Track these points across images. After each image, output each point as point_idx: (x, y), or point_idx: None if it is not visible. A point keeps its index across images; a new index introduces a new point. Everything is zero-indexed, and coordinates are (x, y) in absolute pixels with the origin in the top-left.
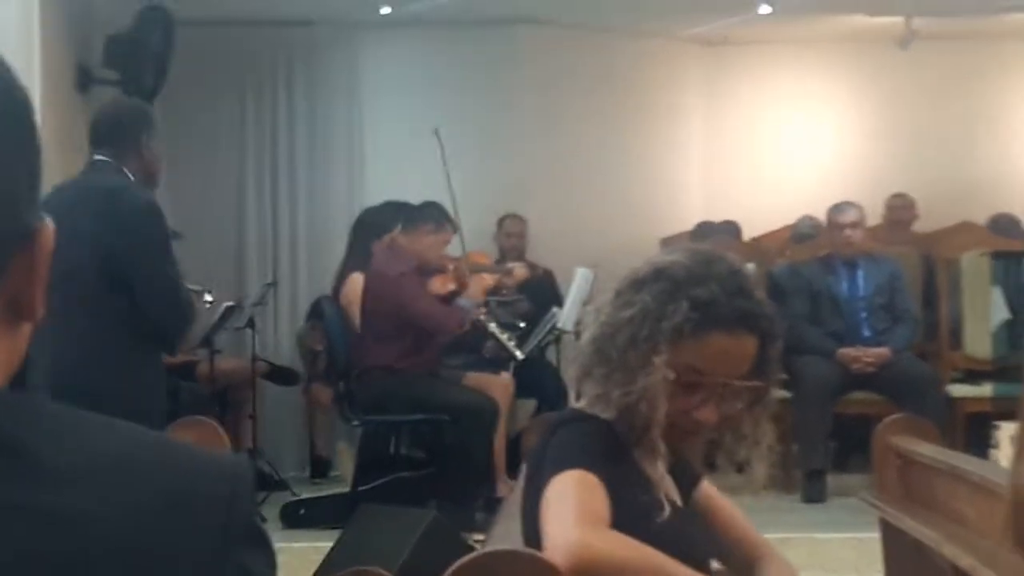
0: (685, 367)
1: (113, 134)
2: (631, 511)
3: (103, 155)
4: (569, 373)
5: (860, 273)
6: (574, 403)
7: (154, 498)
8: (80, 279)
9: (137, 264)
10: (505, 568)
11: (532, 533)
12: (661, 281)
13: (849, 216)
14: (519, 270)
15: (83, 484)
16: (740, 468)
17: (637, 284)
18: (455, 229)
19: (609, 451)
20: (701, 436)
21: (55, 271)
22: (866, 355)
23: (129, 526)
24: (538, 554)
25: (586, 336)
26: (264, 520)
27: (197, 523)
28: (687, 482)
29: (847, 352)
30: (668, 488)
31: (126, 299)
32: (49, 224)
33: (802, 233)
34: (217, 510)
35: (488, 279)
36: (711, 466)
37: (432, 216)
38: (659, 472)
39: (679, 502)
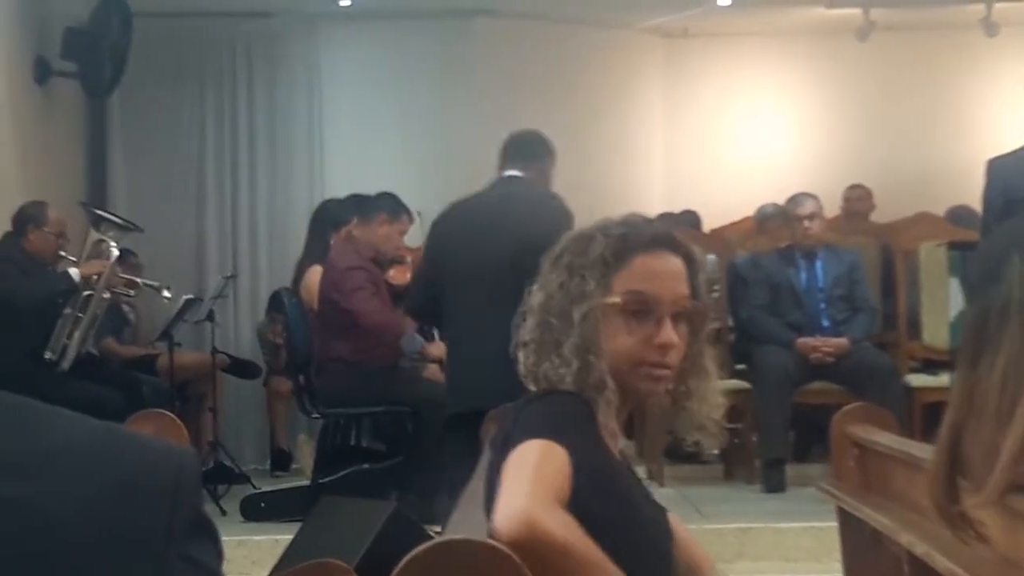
0: (624, 292)
1: (525, 154)
2: (601, 477)
3: (515, 171)
4: (524, 367)
5: (819, 264)
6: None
7: (100, 488)
8: (503, 278)
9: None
10: (461, 556)
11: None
12: (577, 238)
13: (807, 208)
14: None
15: (30, 473)
16: (695, 423)
17: (556, 256)
18: (412, 219)
19: (577, 420)
20: (666, 379)
21: (484, 272)
22: (825, 345)
23: (75, 517)
24: (493, 542)
25: (527, 323)
26: (224, 513)
27: (142, 514)
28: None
29: (806, 342)
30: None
31: None
32: None
33: (766, 215)
34: (162, 501)
35: None
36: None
37: (387, 207)
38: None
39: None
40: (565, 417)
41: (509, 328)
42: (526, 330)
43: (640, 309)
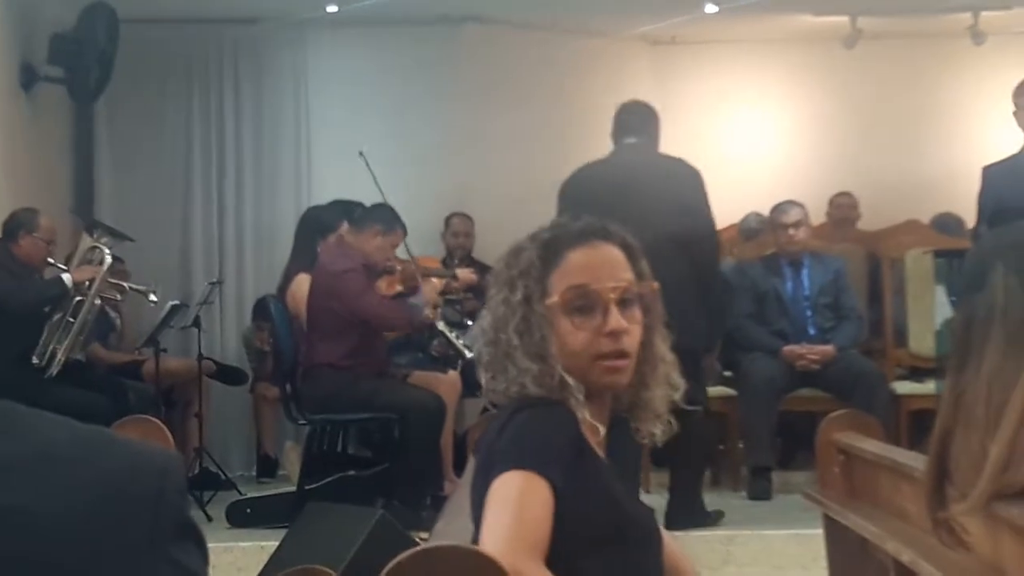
0: (565, 290)
1: (637, 123)
2: (591, 497)
3: (632, 139)
4: (486, 389)
5: (805, 272)
6: None
7: (85, 492)
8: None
9: (706, 221)
10: (446, 563)
11: (479, 522)
12: (509, 252)
13: (792, 216)
14: (465, 274)
15: (16, 478)
16: (648, 413)
17: (495, 274)
18: (405, 232)
19: (564, 440)
20: (625, 368)
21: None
22: (811, 352)
23: (60, 520)
24: (478, 549)
25: (479, 344)
26: (210, 519)
27: (126, 517)
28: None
29: (792, 349)
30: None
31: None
32: None
33: (750, 228)
34: (145, 504)
35: (436, 283)
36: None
37: (382, 218)
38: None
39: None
40: (548, 440)
41: (676, 275)
42: (482, 353)
43: (583, 304)
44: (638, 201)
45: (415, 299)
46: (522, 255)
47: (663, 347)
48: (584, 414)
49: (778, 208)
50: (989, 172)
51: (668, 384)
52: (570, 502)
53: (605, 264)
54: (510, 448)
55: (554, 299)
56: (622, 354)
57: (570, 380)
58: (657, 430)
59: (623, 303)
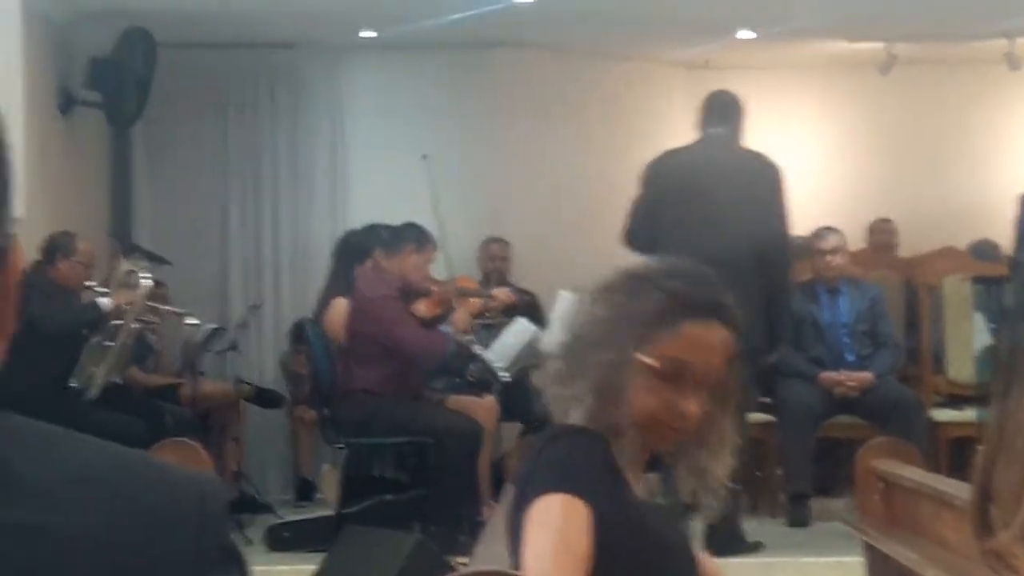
0: (664, 357)
1: (723, 113)
2: (626, 521)
3: (718, 128)
4: (542, 384)
5: (842, 299)
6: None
7: (128, 516)
8: (739, 232)
9: (781, 220)
10: None
11: (517, 549)
12: (631, 279)
13: (830, 242)
14: (503, 294)
15: (59, 502)
16: (701, 475)
17: (607, 287)
18: (436, 247)
19: (598, 465)
20: (677, 441)
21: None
22: (849, 379)
23: (103, 543)
24: (518, 574)
25: (558, 348)
26: (249, 543)
27: (169, 541)
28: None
29: (830, 376)
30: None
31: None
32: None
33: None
34: (188, 529)
35: (473, 304)
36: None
37: (413, 236)
38: (643, 484)
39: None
40: (586, 465)
41: (745, 271)
42: (558, 344)
43: (674, 378)
44: (717, 195)
45: (447, 327)
46: (643, 296)
47: (728, 433)
48: (628, 459)
49: (816, 234)
50: None
51: (720, 461)
52: (606, 527)
53: (713, 349)
54: (548, 472)
55: (651, 361)
56: (682, 432)
57: (627, 430)
58: (705, 498)
59: (704, 387)
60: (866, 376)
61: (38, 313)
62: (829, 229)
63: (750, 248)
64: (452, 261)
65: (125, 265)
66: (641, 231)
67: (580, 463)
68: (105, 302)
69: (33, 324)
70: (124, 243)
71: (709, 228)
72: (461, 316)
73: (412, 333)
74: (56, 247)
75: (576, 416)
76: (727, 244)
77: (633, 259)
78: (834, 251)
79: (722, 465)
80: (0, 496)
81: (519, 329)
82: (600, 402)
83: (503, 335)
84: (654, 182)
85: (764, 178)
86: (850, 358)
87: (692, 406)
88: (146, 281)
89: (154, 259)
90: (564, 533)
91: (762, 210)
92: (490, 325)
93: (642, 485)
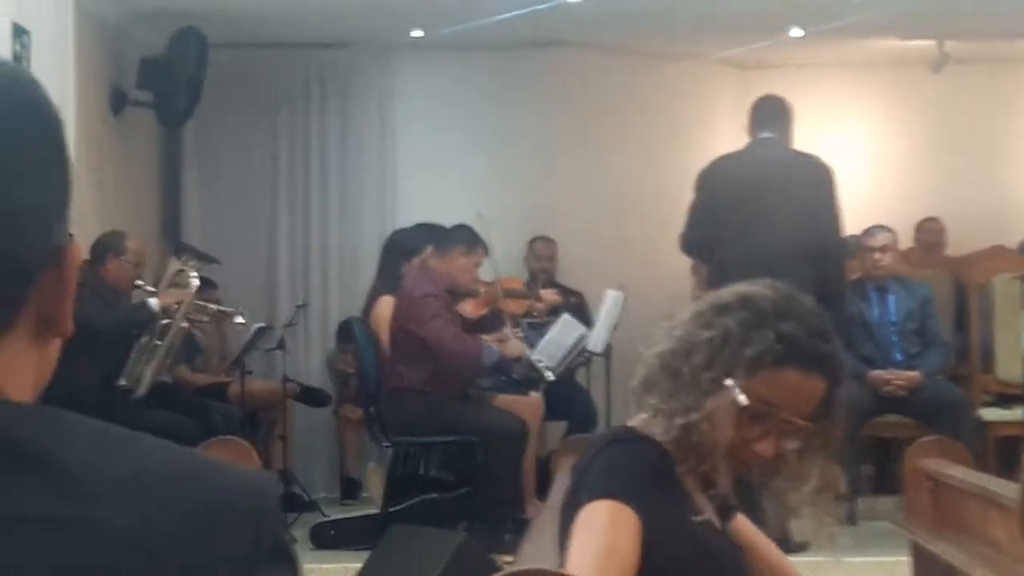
0: (756, 397)
1: (771, 118)
2: (678, 534)
3: (767, 133)
4: (630, 384)
5: (891, 298)
6: (623, 420)
7: (184, 513)
8: (793, 234)
9: (834, 221)
10: None
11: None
12: (746, 309)
13: (880, 240)
14: (549, 296)
15: (115, 498)
16: (789, 511)
17: (721, 308)
18: (486, 251)
19: (655, 475)
20: (750, 470)
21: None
22: (897, 377)
23: (160, 540)
24: (563, 573)
25: (655, 349)
26: (294, 541)
27: (226, 539)
28: (724, 514)
29: (878, 374)
30: (711, 514)
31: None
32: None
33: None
34: (246, 526)
35: (519, 304)
36: (756, 508)
37: (464, 239)
38: (704, 498)
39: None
40: (640, 473)
41: (799, 272)
42: (655, 350)
43: (758, 416)
44: (770, 198)
45: (491, 342)
46: (758, 333)
47: (820, 468)
48: (698, 493)
49: (867, 232)
50: None
51: (804, 496)
52: (656, 537)
53: (804, 398)
54: (600, 477)
55: (742, 399)
56: (750, 468)
57: (718, 453)
58: (807, 537)
59: (785, 432)
60: (914, 375)
61: (89, 312)
62: (880, 227)
63: (804, 250)
64: (497, 262)
65: (175, 264)
66: (697, 237)
67: (635, 470)
68: (155, 302)
69: (84, 324)
70: (174, 242)
71: (763, 232)
72: (513, 345)
73: (447, 332)
74: (106, 247)
75: (652, 425)
76: (781, 247)
77: (745, 285)
78: (884, 249)
79: (811, 504)
80: (53, 491)
81: (565, 328)
82: (680, 418)
83: (550, 333)
84: (708, 188)
85: (816, 179)
86: (899, 357)
87: (766, 448)
88: (195, 280)
89: (203, 258)
90: (610, 539)
91: (815, 212)
92: (537, 325)
93: (705, 504)
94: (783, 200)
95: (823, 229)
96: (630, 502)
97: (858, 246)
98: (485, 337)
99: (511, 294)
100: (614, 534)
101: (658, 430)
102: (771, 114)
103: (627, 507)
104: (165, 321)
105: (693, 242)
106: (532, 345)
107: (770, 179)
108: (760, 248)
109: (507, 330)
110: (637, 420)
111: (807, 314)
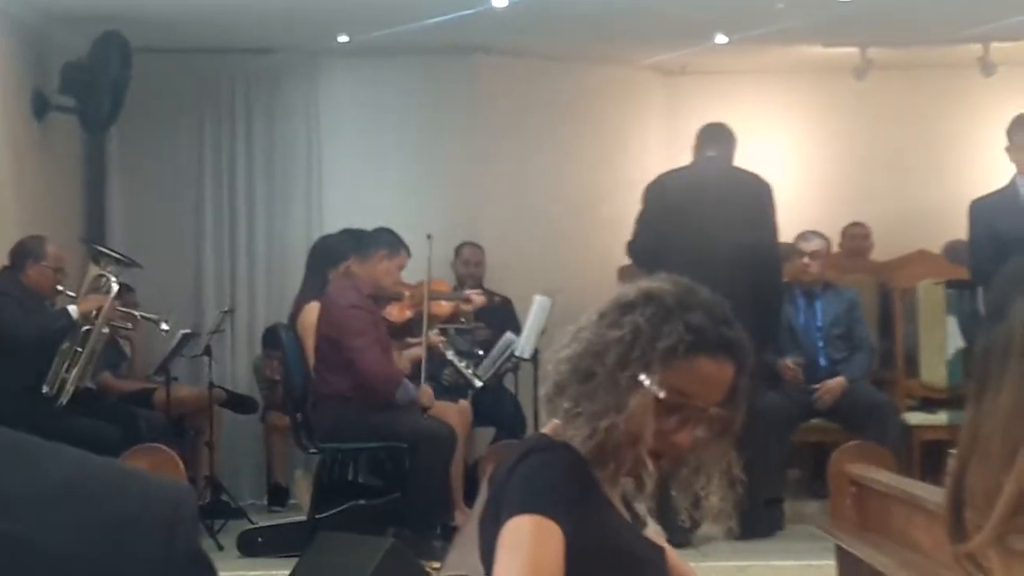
0: (672, 388)
1: (716, 139)
2: (602, 542)
3: (712, 152)
4: (541, 391)
5: (818, 303)
6: (543, 427)
7: (98, 524)
8: (733, 243)
9: (771, 232)
10: None
11: (489, 564)
12: (652, 304)
13: (811, 245)
14: (476, 297)
15: (28, 510)
16: (695, 500)
17: (626, 306)
18: (409, 254)
19: (574, 484)
20: (666, 462)
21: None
22: (823, 390)
23: (73, 553)
24: None
25: (564, 353)
26: (221, 548)
27: (140, 548)
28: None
29: (787, 365)
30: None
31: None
32: None
33: None
34: (160, 535)
35: (445, 306)
36: (667, 499)
37: (385, 242)
38: (622, 500)
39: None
40: (561, 482)
41: (738, 278)
42: (564, 355)
43: (674, 410)
44: (711, 208)
45: (412, 386)
46: (660, 323)
47: (727, 455)
48: (615, 495)
49: (800, 237)
50: (978, 206)
51: (716, 486)
52: (579, 548)
53: (719, 386)
54: (520, 491)
55: (657, 391)
56: (669, 460)
57: (613, 448)
58: (712, 527)
59: (700, 421)
60: (839, 382)
61: (8, 320)
62: (813, 233)
63: (743, 259)
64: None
65: (94, 270)
66: (645, 245)
67: (554, 481)
68: (74, 308)
69: (4, 331)
70: (93, 248)
71: (705, 241)
72: (426, 392)
73: (371, 353)
74: (26, 252)
75: (568, 429)
76: (722, 256)
77: (646, 280)
78: (814, 255)
79: (716, 490)
80: None
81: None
82: (596, 418)
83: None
84: (655, 199)
85: (755, 193)
86: (823, 362)
87: (683, 438)
88: (114, 286)
89: (122, 263)
90: (535, 555)
91: (754, 223)
92: (464, 330)
93: (623, 506)
94: (724, 212)
95: (761, 239)
96: (551, 515)
97: (789, 251)
98: (413, 351)
99: (437, 296)
100: (538, 550)
101: (575, 434)
102: (715, 136)
103: (549, 520)
104: (86, 327)
105: (639, 250)
106: (459, 352)
107: (713, 192)
108: (702, 256)
109: (425, 387)
110: (550, 427)
111: (709, 303)
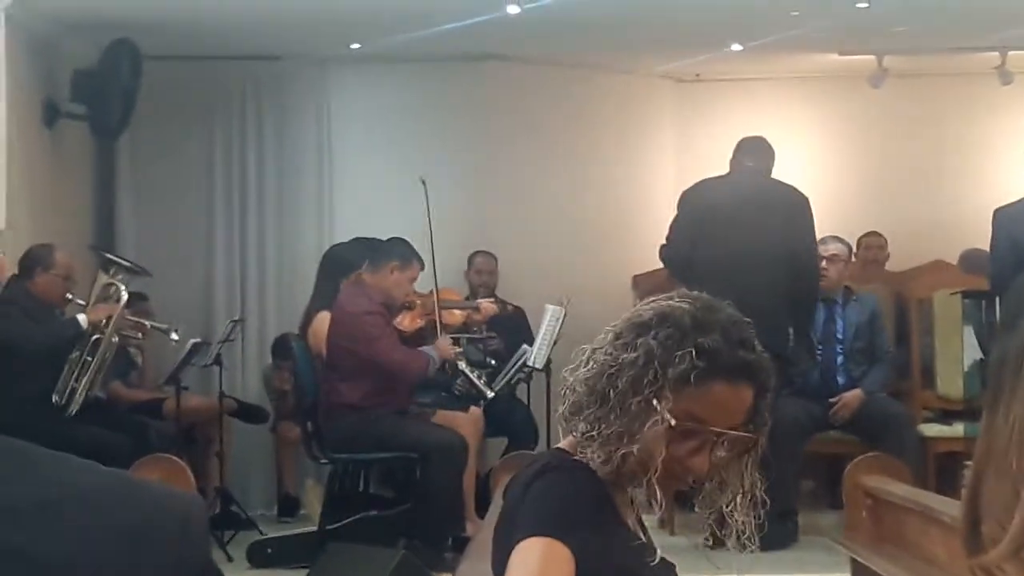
0: (684, 414)
1: (754, 151)
2: (614, 567)
3: (750, 163)
4: (559, 410)
5: (839, 315)
6: (561, 442)
7: (109, 535)
8: (770, 253)
9: (810, 243)
10: None
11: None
12: (667, 326)
13: (829, 249)
14: (487, 305)
15: (40, 521)
16: (720, 518)
17: (641, 327)
18: (422, 265)
19: (589, 507)
20: (685, 484)
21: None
22: (841, 406)
23: (83, 565)
24: None
25: (580, 374)
26: (231, 559)
27: (151, 559)
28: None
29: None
30: (643, 536)
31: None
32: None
33: None
34: (171, 546)
35: (457, 315)
36: (690, 508)
37: (398, 253)
38: (638, 521)
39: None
40: (575, 506)
41: (776, 287)
42: (580, 376)
43: (689, 435)
44: (749, 217)
45: (428, 348)
46: (675, 347)
47: (750, 467)
48: (630, 516)
49: (819, 240)
50: (1001, 214)
51: (739, 504)
52: (590, 569)
53: (732, 408)
54: (535, 512)
55: (669, 418)
56: (688, 483)
57: (629, 471)
58: (736, 545)
59: (717, 444)
60: (856, 395)
61: (17, 329)
62: (834, 237)
63: (779, 266)
64: (438, 275)
65: (103, 278)
66: (679, 251)
67: (569, 504)
68: (83, 317)
69: (11, 342)
70: (101, 256)
71: (743, 248)
72: (443, 344)
73: (392, 349)
74: (35, 261)
75: (585, 447)
76: (757, 263)
77: (663, 298)
78: (832, 259)
79: (739, 508)
80: None
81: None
82: (610, 443)
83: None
84: (689, 206)
85: (793, 204)
86: (842, 380)
87: (700, 463)
88: (124, 294)
89: (132, 271)
90: None
91: (790, 233)
92: (476, 340)
93: (639, 527)
94: (762, 221)
95: (799, 250)
96: (564, 539)
97: None
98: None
99: (448, 305)
100: (548, 574)
101: (591, 458)
102: (754, 148)
103: (561, 544)
104: (95, 336)
105: (672, 255)
106: (471, 362)
107: (750, 202)
108: (737, 264)
109: (441, 340)
110: (568, 441)
111: (727, 323)
